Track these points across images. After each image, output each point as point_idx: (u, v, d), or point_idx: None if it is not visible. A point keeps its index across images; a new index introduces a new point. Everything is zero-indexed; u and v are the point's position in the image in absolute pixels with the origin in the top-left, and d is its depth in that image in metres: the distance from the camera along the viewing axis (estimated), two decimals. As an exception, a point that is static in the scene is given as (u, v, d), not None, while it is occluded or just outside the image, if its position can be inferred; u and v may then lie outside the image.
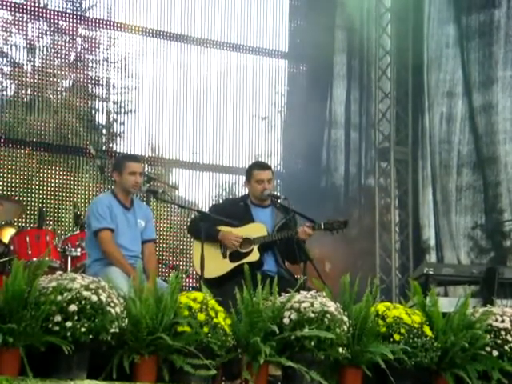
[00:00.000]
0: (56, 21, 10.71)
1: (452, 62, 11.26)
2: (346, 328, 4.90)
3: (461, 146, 11.11)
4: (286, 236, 6.56)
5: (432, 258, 11.04)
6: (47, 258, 5.86)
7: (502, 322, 5.36)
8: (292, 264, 6.79)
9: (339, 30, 11.58)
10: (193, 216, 7.42)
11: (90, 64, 10.93)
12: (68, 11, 10.75)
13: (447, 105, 11.22)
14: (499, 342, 5.30)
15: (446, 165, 11.15)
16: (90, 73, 10.93)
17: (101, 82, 10.97)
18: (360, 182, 11.50)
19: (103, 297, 4.38)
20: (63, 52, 10.79)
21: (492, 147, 10.90)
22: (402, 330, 5.07)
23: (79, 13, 10.81)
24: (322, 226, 6.63)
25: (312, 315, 4.81)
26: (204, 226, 6.35)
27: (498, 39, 10.99)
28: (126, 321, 4.49)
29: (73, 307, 4.29)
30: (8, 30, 10.59)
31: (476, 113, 11.01)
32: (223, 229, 6.62)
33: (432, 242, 11.14)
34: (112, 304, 4.40)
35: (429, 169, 11.24)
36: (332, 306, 4.88)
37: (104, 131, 11.28)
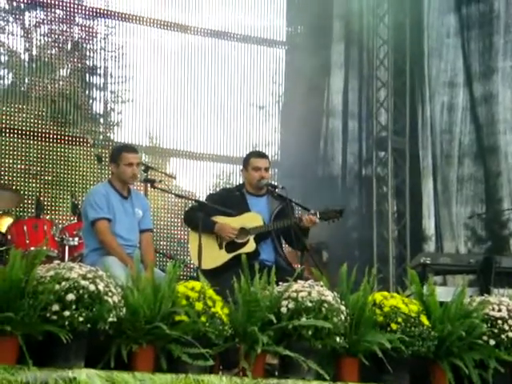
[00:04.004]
0: (53, 9, 10.69)
1: (452, 52, 11.25)
2: (343, 317, 4.90)
3: (462, 136, 11.11)
4: (283, 226, 6.56)
5: (431, 247, 11.06)
6: (45, 248, 5.89)
7: (499, 311, 5.37)
8: (292, 249, 6.83)
9: (337, 19, 11.56)
10: (190, 205, 7.40)
11: (88, 53, 10.92)
12: (65, 0, 10.73)
13: (448, 95, 11.22)
14: (496, 331, 5.31)
15: (447, 155, 11.15)
16: (87, 62, 10.92)
17: (98, 72, 10.96)
18: (357, 171, 11.50)
19: (101, 286, 4.38)
20: (60, 41, 10.78)
21: (492, 137, 10.92)
22: (399, 320, 5.07)
23: (76, 1, 10.78)
24: (318, 216, 6.63)
25: (309, 304, 4.81)
26: (200, 217, 6.34)
27: (498, 29, 10.99)
28: (124, 310, 4.50)
29: (70, 296, 4.29)
30: (5, 18, 10.57)
31: (477, 103, 11.01)
32: (219, 220, 6.61)
33: (431, 232, 11.16)
34: (110, 293, 4.40)
35: (429, 159, 11.24)
36: (329, 296, 4.89)
37: (101, 120, 11.28)
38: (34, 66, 10.60)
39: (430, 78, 11.30)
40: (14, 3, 10.53)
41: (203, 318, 4.61)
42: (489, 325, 5.32)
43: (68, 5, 10.70)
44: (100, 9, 10.84)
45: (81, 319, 4.28)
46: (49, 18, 10.75)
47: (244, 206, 6.70)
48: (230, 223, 6.59)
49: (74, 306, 4.29)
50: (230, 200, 6.69)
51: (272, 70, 11.58)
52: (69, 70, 10.89)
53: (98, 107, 11.16)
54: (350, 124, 11.48)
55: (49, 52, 10.70)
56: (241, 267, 4.96)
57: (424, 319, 5.16)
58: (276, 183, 8.33)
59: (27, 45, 10.66)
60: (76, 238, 7.93)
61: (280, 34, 11.65)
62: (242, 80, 11.35)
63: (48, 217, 9.26)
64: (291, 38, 11.64)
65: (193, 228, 6.61)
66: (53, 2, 10.65)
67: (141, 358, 4.51)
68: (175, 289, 4.68)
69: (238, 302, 4.86)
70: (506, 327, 5.31)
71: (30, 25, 10.66)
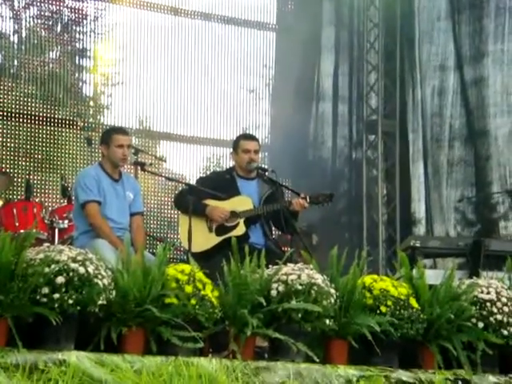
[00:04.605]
0: (43, -9, 10.63)
1: (443, 36, 11.22)
2: (332, 300, 4.92)
3: (453, 119, 11.10)
4: (273, 209, 6.57)
5: (420, 230, 11.07)
6: (34, 230, 5.88)
7: (488, 293, 5.39)
8: (282, 232, 6.84)
9: (327, 1, 11.52)
10: (180, 189, 7.40)
11: (77, 35, 10.86)
12: (55, -18, 10.67)
13: (439, 78, 11.20)
14: (484, 313, 5.34)
15: (437, 138, 11.15)
16: (77, 44, 10.87)
17: (88, 54, 10.92)
18: (347, 154, 11.50)
19: (91, 269, 4.38)
20: (50, 23, 10.72)
21: (483, 121, 10.91)
22: (389, 302, 5.09)
23: (66, -17, 10.72)
24: (308, 200, 6.64)
25: (299, 287, 4.82)
26: (191, 200, 6.34)
27: (489, 12, 10.96)
28: (114, 293, 4.50)
29: (60, 279, 4.29)
30: (-6, 0, 10.51)
31: (467, 86, 11.01)
32: (210, 203, 6.61)
33: (421, 215, 11.17)
34: (99, 276, 4.41)
35: (420, 142, 11.23)
36: (319, 279, 4.90)
37: (91, 103, 11.24)
38: (23, 47, 10.55)
39: (421, 61, 11.28)
40: (3, -15, 10.47)
41: (193, 301, 4.61)
42: (477, 307, 5.34)
43: (57, -14, 10.65)
44: (90, -9, 10.79)
45: (71, 302, 4.28)
46: (38, 0, 10.68)
47: (234, 190, 6.71)
48: (220, 206, 6.60)
49: (63, 289, 4.29)
50: (220, 183, 6.70)
51: (262, 53, 11.54)
52: (58, 52, 10.84)
53: (87, 90, 11.14)
54: (340, 107, 11.45)
55: (38, 34, 10.64)
56: (231, 250, 4.97)
57: (413, 302, 5.18)
58: (266, 166, 8.33)
59: (16, 26, 10.60)
60: (66, 221, 7.93)
61: (270, 16, 11.61)
62: (233, 63, 11.32)
63: (38, 199, 9.25)
64: (282, 21, 11.60)
65: (183, 211, 6.60)
66: (42, -17, 10.60)
67: (131, 341, 4.52)
68: (165, 271, 4.68)
69: (228, 284, 4.87)
70: (495, 310, 5.34)
71: (19, 6, 10.60)
